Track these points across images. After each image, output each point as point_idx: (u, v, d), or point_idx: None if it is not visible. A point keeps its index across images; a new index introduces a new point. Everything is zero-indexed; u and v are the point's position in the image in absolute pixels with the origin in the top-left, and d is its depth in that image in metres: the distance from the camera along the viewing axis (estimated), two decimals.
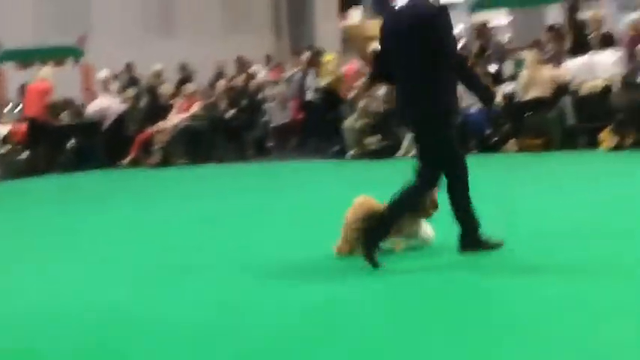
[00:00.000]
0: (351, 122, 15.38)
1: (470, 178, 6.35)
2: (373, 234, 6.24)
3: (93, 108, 17.93)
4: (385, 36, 6.44)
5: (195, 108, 17.09)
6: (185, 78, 18.99)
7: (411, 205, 6.42)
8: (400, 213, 6.37)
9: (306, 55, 17.84)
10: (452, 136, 6.33)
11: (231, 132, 17.36)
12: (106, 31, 21.77)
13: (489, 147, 13.96)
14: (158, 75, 18.85)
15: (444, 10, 6.22)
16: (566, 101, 13.74)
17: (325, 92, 16.64)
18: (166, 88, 18.09)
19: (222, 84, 18.08)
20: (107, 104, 17.84)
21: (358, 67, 16.77)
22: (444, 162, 6.32)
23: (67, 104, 18.27)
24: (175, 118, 16.98)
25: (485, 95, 6.45)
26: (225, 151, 17.19)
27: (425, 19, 6.15)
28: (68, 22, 21.03)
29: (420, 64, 6.15)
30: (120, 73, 19.35)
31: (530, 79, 13.86)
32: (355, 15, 37.78)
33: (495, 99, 6.22)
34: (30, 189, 15.27)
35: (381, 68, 6.93)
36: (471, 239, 6.33)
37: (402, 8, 6.29)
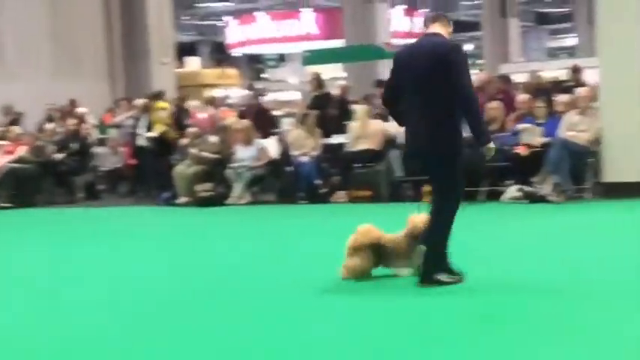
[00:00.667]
0: (182, 169, 15.31)
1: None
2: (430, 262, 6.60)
3: None
4: (399, 69, 6.74)
5: (22, 151, 16.65)
6: (13, 120, 18.52)
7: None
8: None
9: (139, 101, 17.70)
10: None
11: (60, 175, 17.00)
12: None
13: (318, 197, 14.12)
14: None
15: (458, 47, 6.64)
16: (394, 155, 14.10)
17: (158, 139, 16.51)
18: None
19: (51, 127, 17.71)
20: None
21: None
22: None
23: None
24: (0, 161, 16.46)
25: (483, 138, 6.64)
26: (53, 195, 16.82)
27: (441, 55, 6.50)
28: None
29: (438, 97, 6.49)
30: None
31: (360, 131, 14.17)
32: (192, 62, 37.87)
33: (491, 145, 6.67)
34: None
35: (390, 97, 7.05)
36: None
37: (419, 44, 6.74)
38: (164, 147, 16.36)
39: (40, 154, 16.83)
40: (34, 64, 23.02)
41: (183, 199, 15.12)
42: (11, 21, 22.91)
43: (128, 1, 25.68)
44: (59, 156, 16.96)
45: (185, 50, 40.37)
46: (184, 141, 15.80)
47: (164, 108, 16.95)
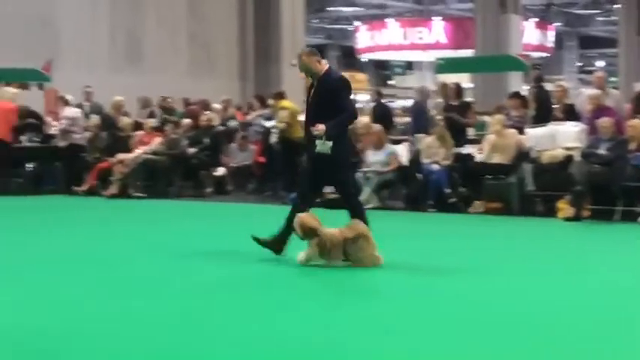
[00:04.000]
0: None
1: None
2: None
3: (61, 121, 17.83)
4: None
5: (157, 143, 17.03)
6: (150, 113, 19.08)
7: None
8: None
9: (272, 100, 17.86)
10: None
11: (190, 169, 17.35)
12: (73, 59, 21.84)
13: (447, 206, 14.02)
14: (118, 106, 18.70)
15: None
16: (526, 168, 13.90)
17: (284, 138, 16.49)
18: (126, 121, 18.01)
19: (187, 122, 18.02)
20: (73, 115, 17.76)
21: None
22: None
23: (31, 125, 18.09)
24: (136, 151, 16.91)
25: None
26: (182, 188, 17.18)
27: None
28: (36, 47, 21.00)
29: None
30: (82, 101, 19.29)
31: (496, 142, 14.01)
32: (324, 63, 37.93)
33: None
34: None
35: None
36: None
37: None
38: (292, 146, 16.39)
39: (173, 147, 17.17)
40: (172, 62, 23.79)
41: None
42: (153, 21, 23.72)
43: (262, 3, 26.09)
44: (191, 150, 17.29)
45: (321, 51, 40.62)
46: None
47: (285, 107, 16.85)
